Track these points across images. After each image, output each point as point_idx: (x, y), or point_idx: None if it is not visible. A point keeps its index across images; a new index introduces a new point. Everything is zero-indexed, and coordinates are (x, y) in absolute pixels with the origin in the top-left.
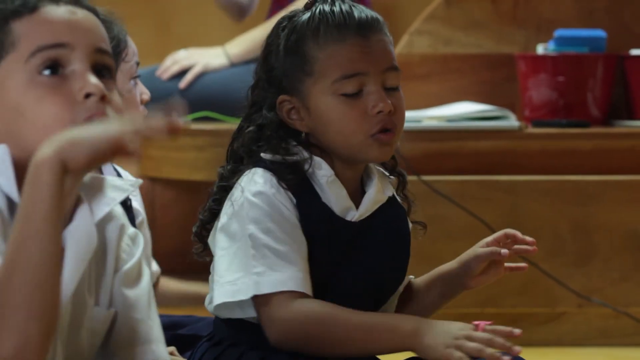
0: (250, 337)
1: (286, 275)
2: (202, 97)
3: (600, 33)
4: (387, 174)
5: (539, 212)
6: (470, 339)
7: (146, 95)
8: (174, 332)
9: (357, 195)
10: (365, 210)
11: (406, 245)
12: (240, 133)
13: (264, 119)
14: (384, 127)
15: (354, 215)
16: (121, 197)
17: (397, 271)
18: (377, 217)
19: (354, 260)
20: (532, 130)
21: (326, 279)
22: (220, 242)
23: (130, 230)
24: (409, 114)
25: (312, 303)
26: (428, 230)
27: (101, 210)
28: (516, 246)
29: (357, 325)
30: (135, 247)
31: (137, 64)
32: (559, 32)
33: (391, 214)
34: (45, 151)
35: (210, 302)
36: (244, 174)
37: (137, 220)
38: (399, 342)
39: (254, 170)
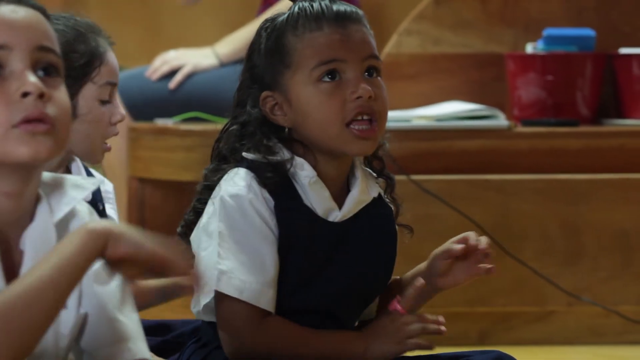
0: None
1: (244, 284)
2: (192, 97)
3: (589, 32)
4: (375, 175)
5: (528, 211)
6: (406, 324)
7: (120, 115)
8: (164, 337)
9: (342, 194)
10: (349, 210)
11: (392, 244)
12: (224, 132)
13: (247, 116)
14: (361, 113)
15: (337, 215)
16: (82, 195)
17: (383, 270)
18: (362, 217)
19: (337, 261)
20: (521, 129)
21: (310, 279)
22: (201, 243)
23: None
24: (398, 114)
25: (266, 326)
26: (417, 230)
27: (61, 210)
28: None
29: (321, 346)
30: None
31: (113, 84)
32: (548, 32)
33: (376, 214)
34: (99, 225)
35: (195, 305)
36: (227, 172)
37: None
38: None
39: (236, 170)
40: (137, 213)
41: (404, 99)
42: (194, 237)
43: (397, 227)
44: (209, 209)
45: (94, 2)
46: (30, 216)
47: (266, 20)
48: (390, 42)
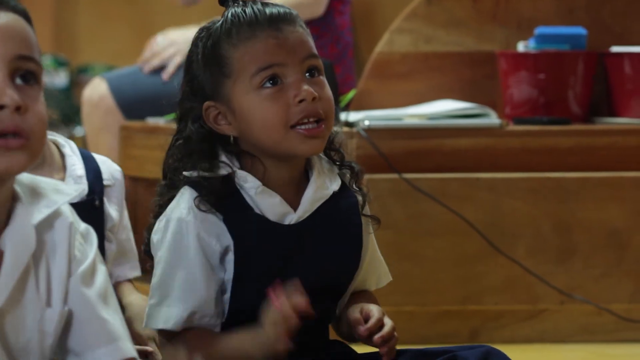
0: None
1: (172, 313)
2: None
3: (580, 30)
4: (336, 167)
5: (520, 209)
6: (274, 314)
7: None
8: None
9: (301, 195)
10: (304, 211)
11: (357, 236)
12: (170, 148)
13: (189, 131)
14: (306, 117)
15: (292, 218)
16: (63, 199)
17: (350, 264)
18: (321, 214)
19: (297, 262)
20: (513, 127)
21: (272, 285)
22: (154, 260)
23: (82, 227)
24: (390, 112)
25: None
26: (409, 229)
27: (41, 212)
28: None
29: (228, 349)
30: (89, 245)
31: None
32: (540, 30)
33: (337, 208)
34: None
35: None
36: (179, 191)
37: (108, 225)
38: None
39: (182, 190)
40: (129, 212)
41: (396, 98)
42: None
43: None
44: (159, 225)
45: (85, 2)
46: (6, 216)
47: (201, 29)
48: (382, 40)
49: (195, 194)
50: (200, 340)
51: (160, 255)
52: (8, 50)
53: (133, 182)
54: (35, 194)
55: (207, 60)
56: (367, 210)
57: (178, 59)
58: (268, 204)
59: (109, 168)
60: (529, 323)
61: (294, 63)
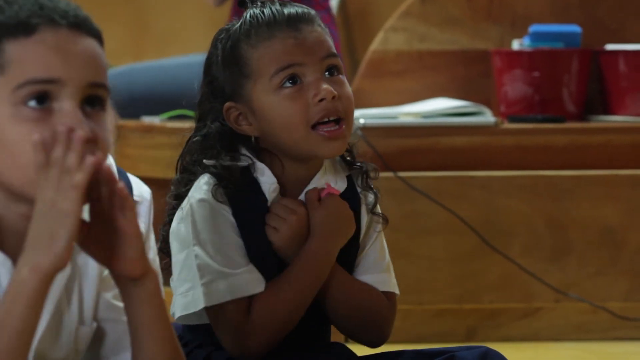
0: (214, 340)
1: (233, 282)
2: (178, 95)
3: (575, 28)
4: (347, 167)
5: (514, 207)
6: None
7: None
8: None
9: None
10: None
11: (352, 244)
12: (187, 145)
13: (208, 129)
14: (326, 115)
15: None
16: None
17: (345, 265)
18: None
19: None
20: (507, 125)
21: (268, 277)
22: (172, 248)
23: None
24: (384, 111)
25: (261, 298)
26: (404, 227)
27: None
28: None
29: (297, 283)
30: None
31: None
32: (534, 28)
33: None
34: None
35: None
36: (197, 181)
37: None
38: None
39: (201, 176)
40: None
41: (391, 96)
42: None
43: (365, 220)
44: (177, 215)
45: (80, 1)
46: None
47: (220, 31)
48: (377, 39)
49: (214, 181)
50: (266, 299)
51: (192, 237)
52: (84, 77)
53: None
54: None
55: (227, 61)
56: (377, 208)
57: None
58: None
59: (139, 187)
60: (524, 321)
61: (313, 62)
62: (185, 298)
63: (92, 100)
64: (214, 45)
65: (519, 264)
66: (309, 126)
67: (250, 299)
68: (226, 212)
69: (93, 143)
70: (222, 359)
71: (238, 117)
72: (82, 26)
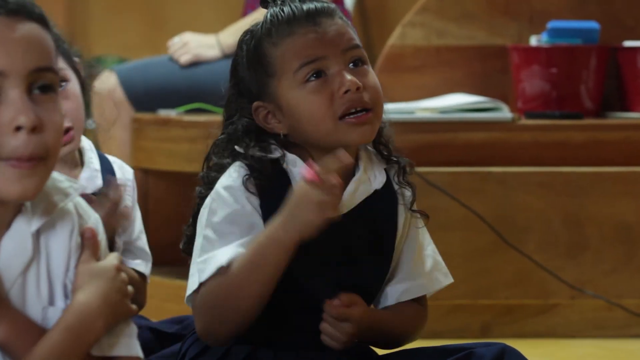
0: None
1: (229, 251)
2: (195, 88)
3: (593, 25)
4: (384, 161)
5: (531, 203)
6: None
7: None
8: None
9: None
10: (344, 206)
11: (388, 245)
12: (214, 146)
13: (236, 127)
14: (352, 107)
15: None
16: (64, 201)
17: (379, 268)
18: (361, 212)
19: (329, 258)
20: (524, 121)
21: (300, 276)
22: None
23: (91, 219)
24: (402, 106)
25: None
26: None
27: (41, 218)
28: None
29: (251, 256)
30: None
31: None
32: (552, 24)
33: (377, 209)
34: None
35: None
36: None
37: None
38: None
39: (234, 165)
40: (140, 204)
41: (408, 91)
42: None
43: (401, 220)
44: (206, 202)
45: None
46: (7, 224)
47: (245, 32)
48: (394, 34)
49: (245, 171)
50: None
51: (208, 217)
52: (26, 64)
53: (144, 174)
54: (38, 197)
55: (251, 61)
56: (414, 205)
57: (186, 58)
58: None
59: (121, 168)
60: (540, 318)
61: (336, 54)
62: (190, 280)
63: (42, 86)
64: (239, 46)
65: (535, 260)
66: (336, 118)
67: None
68: (252, 202)
69: (39, 131)
70: (242, 353)
71: (267, 115)
72: (21, 11)
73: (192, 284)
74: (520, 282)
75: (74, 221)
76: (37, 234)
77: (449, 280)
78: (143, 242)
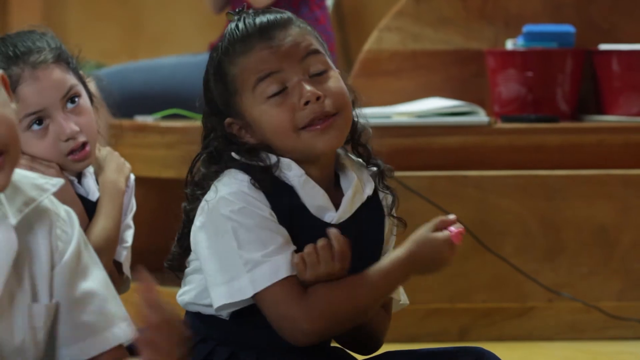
0: (220, 333)
1: (277, 263)
2: (171, 94)
3: (568, 28)
4: (364, 166)
5: (507, 207)
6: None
7: (68, 131)
8: None
9: (331, 195)
10: (344, 212)
11: (377, 251)
12: (196, 162)
13: (216, 142)
14: (315, 117)
15: (333, 217)
16: (42, 196)
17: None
18: (356, 218)
19: None
20: (501, 125)
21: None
22: (203, 242)
23: (62, 212)
24: (378, 110)
25: (310, 293)
26: (397, 226)
27: (19, 212)
28: None
29: (372, 279)
30: (70, 228)
31: (34, 113)
32: (528, 28)
33: (368, 214)
34: None
35: (182, 294)
36: (221, 176)
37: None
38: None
39: (227, 171)
40: None
41: (385, 96)
42: (192, 239)
43: (386, 227)
44: (204, 207)
45: (75, 1)
46: None
47: (214, 48)
48: (371, 38)
49: (242, 173)
50: (329, 289)
51: (228, 226)
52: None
53: None
54: (14, 189)
55: (216, 80)
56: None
57: None
58: (312, 194)
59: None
60: (517, 321)
61: (292, 65)
62: (228, 287)
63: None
64: (208, 63)
65: (512, 263)
66: (298, 129)
67: (297, 279)
68: (263, 200)
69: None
70: (224, 354)
71: (240, 130)
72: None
73: (241, 291)
74: (497, 286)
75: (51, 219)
76: (17, 230)
77: (405, 300)
78: (128, 235)
